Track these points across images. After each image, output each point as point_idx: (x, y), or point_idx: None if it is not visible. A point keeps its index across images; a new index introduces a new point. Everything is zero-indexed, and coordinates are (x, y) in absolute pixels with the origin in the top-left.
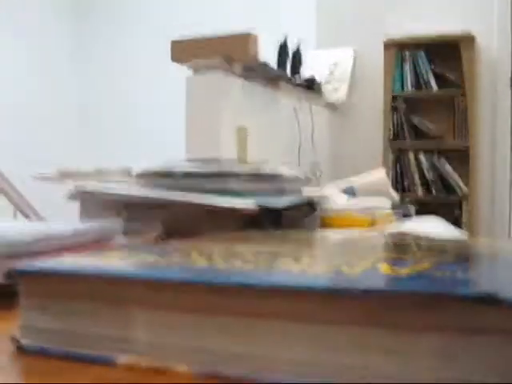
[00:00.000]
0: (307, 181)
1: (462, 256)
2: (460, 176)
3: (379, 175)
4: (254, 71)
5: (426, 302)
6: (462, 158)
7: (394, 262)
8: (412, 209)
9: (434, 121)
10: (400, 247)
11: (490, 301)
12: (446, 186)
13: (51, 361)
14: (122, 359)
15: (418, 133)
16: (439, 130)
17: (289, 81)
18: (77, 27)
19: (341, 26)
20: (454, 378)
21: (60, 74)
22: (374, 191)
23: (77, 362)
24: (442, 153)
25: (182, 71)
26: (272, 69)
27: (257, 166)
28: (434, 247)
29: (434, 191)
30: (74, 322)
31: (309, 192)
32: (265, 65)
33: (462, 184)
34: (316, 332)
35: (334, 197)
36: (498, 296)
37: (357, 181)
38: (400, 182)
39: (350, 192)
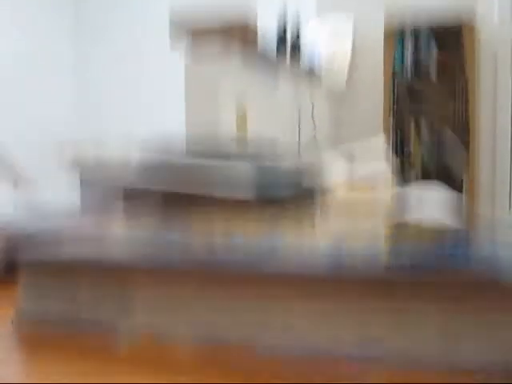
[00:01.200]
0: (304, 151)
1: (463, 235)
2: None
3: (379, 141)
4: (254, 46)
5: (428, 278)
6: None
7: (397, 237)
8: (413, 174)
9: (434, 104)
10: (403, 228)
11: (492, 280)
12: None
13: (50, 335)
14: (123, 336)
15: (417, 114)
16: (440, 113)
17: (289, 55)
18: (76, 10)
19: None
20: (457, 355)
21: (59, 56)
22: (373, 156)
23: (77, 335)
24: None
25: (182, 51)
26: (272, 43)
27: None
28: (435, 228)
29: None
30: (75, 297)
31: (306, 161)
32: (265, 39)
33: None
34: (319, 309)
35: (332, 165)
36: (499, 273)
37: (356, 147)
38: (400, 147)
39: (350, 158)
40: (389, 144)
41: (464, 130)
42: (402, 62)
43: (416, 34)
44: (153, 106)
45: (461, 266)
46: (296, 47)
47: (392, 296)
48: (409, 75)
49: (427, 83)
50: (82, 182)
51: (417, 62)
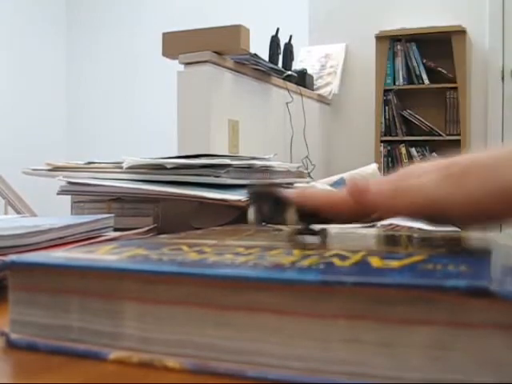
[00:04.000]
0: (298, 174)
1: (454, 249)
2: None
3: (371, 169)
4: (246, 64)
5: (416, 294)
6: (453, 150)
7: (386, 254)
8: None
9: (425, 114)
10: (392, 240)
11: (481, 293)
12: None
13: (41, 356)
14: (113, 354)
15: (409, 126)
16: (431, 124)
17: (280, 74)
18: (67, 19)
19: (333, 22)
20: (445, 371)
21: (50, 68)
22: None
23: (67, 356)
24: (433, 146)
25: (175, 64)
26: (263, 61)
27: (248, 160)
28: (426, 240)
29: None
30: (65, 316)
31: (296, 185)
32: (256, 56)
33: None
34: (307, 325)
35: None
36: (489, 289)
37: (347, 176)
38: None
39: (341, 183)
40: (381, 172)
41: (456, 137)
42: (394, 75)
43: (407, 44)
44: (146, 119)
45: (450, 283)
46: (288, 63)
47: (380, 315)
48: (401, 85)
49: (419, 95)
50: (73, 204)
51: (409, 73)
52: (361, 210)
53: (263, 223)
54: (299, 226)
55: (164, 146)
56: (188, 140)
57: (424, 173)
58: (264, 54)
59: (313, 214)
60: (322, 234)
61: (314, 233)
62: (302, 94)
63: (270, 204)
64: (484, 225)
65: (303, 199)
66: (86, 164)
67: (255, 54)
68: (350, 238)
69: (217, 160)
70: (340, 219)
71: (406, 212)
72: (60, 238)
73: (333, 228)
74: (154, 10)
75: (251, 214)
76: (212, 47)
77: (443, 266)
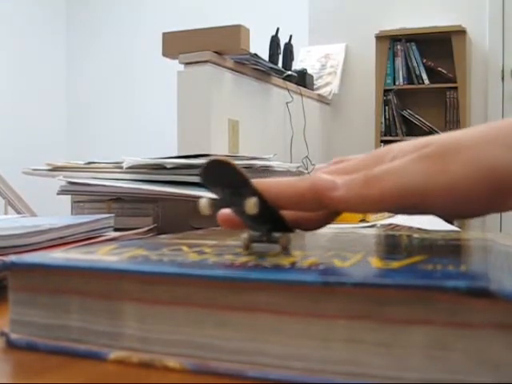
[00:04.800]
0: (298, 174)
1: (455, 249)
2: None
3: None
4: (246, 64)
5: (416, 295)
6: None
7: (386, 255)
8: None
9: (425, 114)
10: (392, 240)
11: (481, 294)
12: None
13: (41, 356)
14: (113, 354)
15: (409, 126)
16: (431, 124)
17: (280, 74)
18: (67, 19)
19: (333, 22)
20: (445, 371)
21: (50, 68)
22: None
23: (67, 356)
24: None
25: (175, 64)
26: (263, 61)
27: (248, 160)
28: (426, 240)
29: None
30: (64, 316)
31: None
32: (256, 56)
33: None
34: (307, 325)
35: None
36: (489, 289)
37: None
38: None
39: None
40: None
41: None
42: (394, 75)
43: (407, 44)
44: (146, 119)
45: (449, 283)
46: (288, 63)
47: (380, 315)
48: (401, 84)
49: (419, 95)
50: (73, 203)
51: (409, 73)
52: (328, 209)
53: (218, 211)
54: (256, 233)
55: (164, 146)
56: (188, 140)
57: (398, 154)
58: (264, 54)
59: (275, 207)
60: (283, 240)
61: (272, 240)
62: (302, 94)
63: (227, 185)
64: (469, 214)
65: (266, 187)
66: (86, 164)
67: (255, 54)
68: (326, 239)
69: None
70: (306, 220)
71: (380, 203)
72: (60, 237)
73: (332, 228)
74: (154, 10)
75: (203, 200)
76: (212, 47)
77: (443, 267)
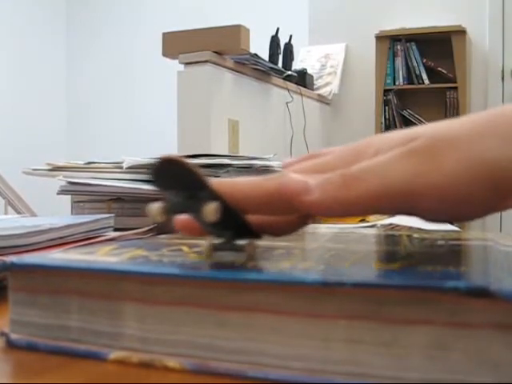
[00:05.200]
0: None
1: (454, 249)
2: None
3: None
4: (246, 64)
5: (416, 295)
6: None
7: (386, 255)
8: None
9: (425, 114)
10: (392, 240)
11: (480, 294)
12: None
13: (41, 356)
14: (113, 355)
15: (409, 126)
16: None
17: (280, 74)
18: (67, 19)
19: (333, 22)
20: (445, 371)
21: (50, 68)
22: None
23: (67, 356)
24: None
25: (175, 64)
26: (263, 61)
27: (248, 160)
28: (426, 240)
29: None
30: (64, 316)
31: None
32: (256, 56)
33: None
34: (307, 325)
35: None
36: (489, 289)
37: None
38: None
39: None
40: None
41: None
42: (394, 75)
43: (407, 44)
44: (146, 119)
45: (449, 283)
46: (288, 63)
47: (380, 316)
48: (401, 84)
49: (419, 95)
50: (73, 203)
51: (409, 73)
52: (299, 213)
53: (173, 217)
54: (218, 241)
55: (164, 146)
56: (188, 140)
57: (381, 148)
58: (264, 54)
59: (238, 211)
60: (249, 248)
61: (237, 248)
62: (302, 94)
63: (183, 188)
64: (462, 218)
65: (228, 189)
66: (86, 164)
67: (255, 54)
68: (326, 239)
69: (217, 160)
70: (274, 224)
71: (359, 207)
72: (60, 237)
73: (330, 228)
74: (154, 10)
75: (154, 206)
76: (212, 47)
77: (443, 267)
